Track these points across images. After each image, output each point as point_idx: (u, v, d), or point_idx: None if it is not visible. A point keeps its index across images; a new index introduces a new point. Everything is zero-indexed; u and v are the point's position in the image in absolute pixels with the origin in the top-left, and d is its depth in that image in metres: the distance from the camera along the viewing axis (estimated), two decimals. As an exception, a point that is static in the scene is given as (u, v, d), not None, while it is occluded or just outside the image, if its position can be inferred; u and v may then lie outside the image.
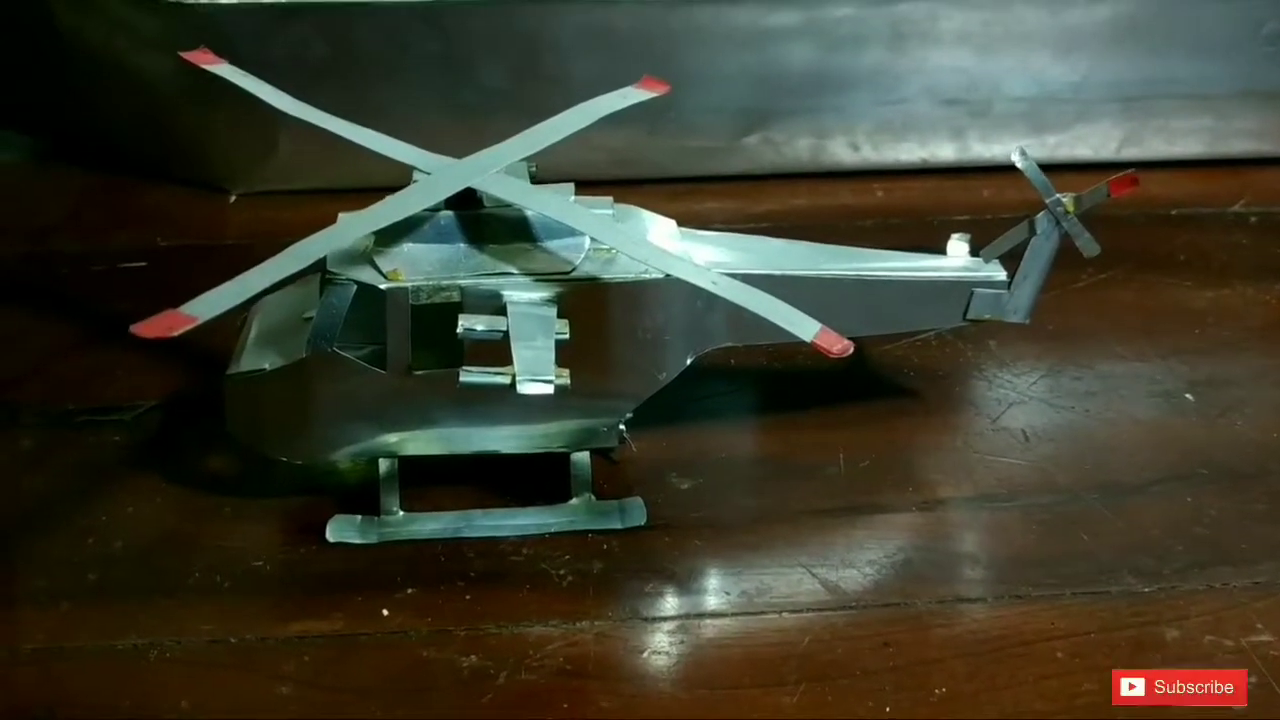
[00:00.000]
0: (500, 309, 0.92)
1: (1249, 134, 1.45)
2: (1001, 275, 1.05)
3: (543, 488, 1.00)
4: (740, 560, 0.97)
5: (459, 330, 0.90)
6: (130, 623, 0.91)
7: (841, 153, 1.43)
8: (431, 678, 0.88)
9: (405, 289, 0.93)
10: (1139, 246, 1.28)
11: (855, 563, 0.96)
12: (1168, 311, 1.23)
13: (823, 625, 0.91)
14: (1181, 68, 1.42)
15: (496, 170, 0.98)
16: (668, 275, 0.94)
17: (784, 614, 0.92)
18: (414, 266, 0.94)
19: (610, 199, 1.02)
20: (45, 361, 1.16)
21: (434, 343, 0.94)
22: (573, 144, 1.03)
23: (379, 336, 0.95)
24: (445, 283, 0.94)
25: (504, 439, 0.99)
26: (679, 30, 1.36)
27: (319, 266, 0.94)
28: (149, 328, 0.85)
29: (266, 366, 0.97)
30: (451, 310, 0.92)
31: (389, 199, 0.96)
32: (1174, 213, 1.37)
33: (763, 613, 0.93)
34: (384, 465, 0.98)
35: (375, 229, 0.94)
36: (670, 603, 0.94)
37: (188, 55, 1.06)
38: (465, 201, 0.97)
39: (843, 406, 1.11)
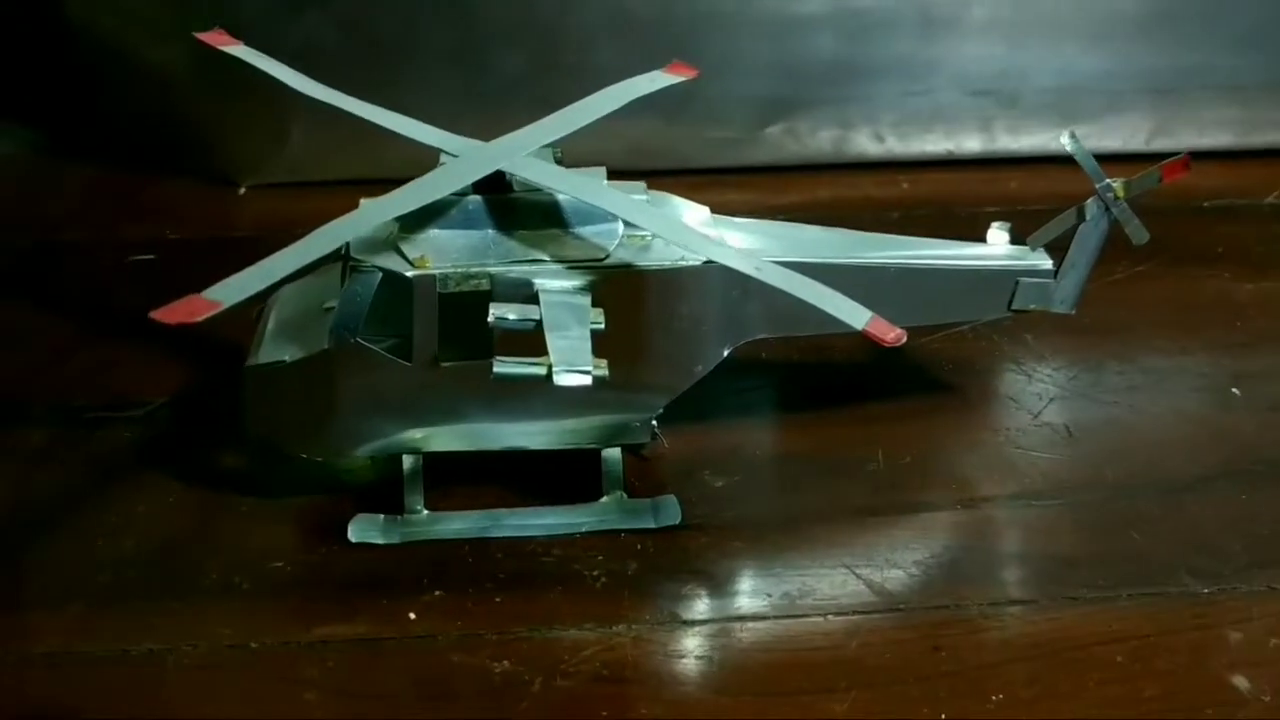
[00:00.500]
0: (531, 297, 0.89)
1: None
2: (1048, 264, 1.01)
3: (571, 486, 0.96)
4: (780, 560, 0.93)
5: (490, 319, 0.86)
6: (145, 626, 0.88)
7: (866, 144, 1.41)
8: (461, 684, 0.84)
9: (433, 276, 0.89)
10: (1174, 239, 1.25)
11: (900, 563, 0.93)
12: (1207, 304, 1.20)
13: (870, 628, 0.88)
14: (1212, 58, 1.41)
15: (526, 153, 0.95)
16: (708, 261, 0.91)
17: (829, 616, 0.89)
18: (441, 253, 0.91)
19: (643, 184, 0.99)
20: (54, 357, 1.13)
21: (460, 333, 0.90)
22: (590, 134, 0.99)
23: (403, 327, 0.91)
24: (474, 270, 0.90)
25: (533, 435, 0.95)
26: (701, 17, 1.35)
27: (340, 254, 0.91)
28: (171, 313, 0.81)
29: (286, 358, 0.93)
30: (480, 299, 0.88)
31: (414, 182, 0.92)
32: (1206, 205, 1.35)
33: (806, 615, 0.89)
34: (408, 462, 0.94)
35: (400, 214, 0.91)
36: (709, 605, 0.90)
37: (203, 36, 1.03)
38: (493, 186, 0.94)
39: (879, 402, 1.07)
